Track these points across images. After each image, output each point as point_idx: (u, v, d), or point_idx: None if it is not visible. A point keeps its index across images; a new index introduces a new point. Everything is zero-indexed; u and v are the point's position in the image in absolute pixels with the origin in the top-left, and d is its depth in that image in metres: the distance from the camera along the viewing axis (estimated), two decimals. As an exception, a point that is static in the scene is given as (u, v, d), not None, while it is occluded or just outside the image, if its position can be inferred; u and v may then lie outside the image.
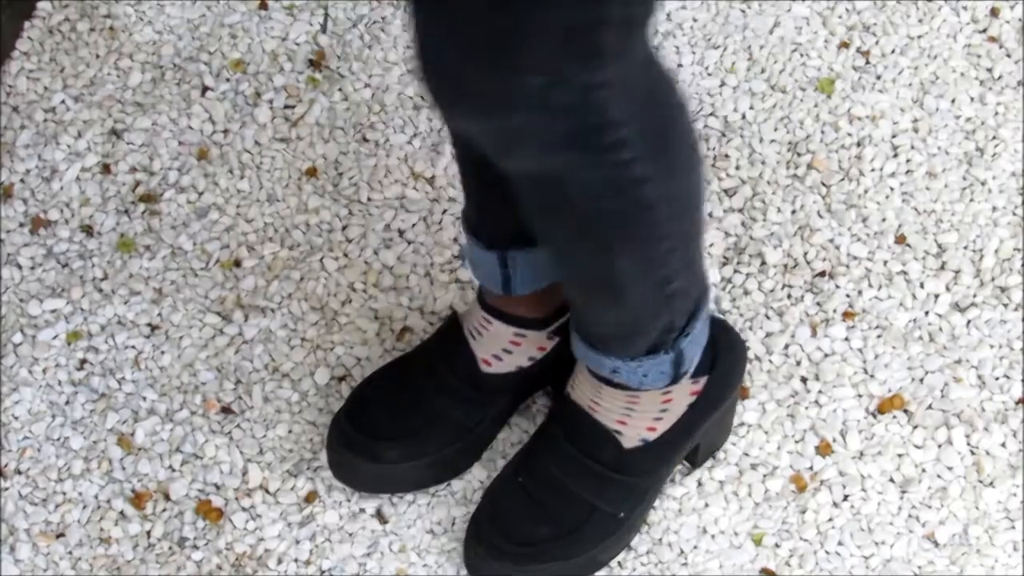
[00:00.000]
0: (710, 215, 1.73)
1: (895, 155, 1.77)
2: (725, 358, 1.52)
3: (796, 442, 1.60)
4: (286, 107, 1.85)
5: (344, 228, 1.76)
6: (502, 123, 1.19)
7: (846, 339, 1.65)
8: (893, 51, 1.84)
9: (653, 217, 1.29)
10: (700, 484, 1.58)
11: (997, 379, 1.62)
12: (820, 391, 1.62)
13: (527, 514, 1.49)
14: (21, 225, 1.78)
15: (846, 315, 1.66)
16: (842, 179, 1.75)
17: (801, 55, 1.85)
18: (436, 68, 1.18)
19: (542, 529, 1.49)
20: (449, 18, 1.15)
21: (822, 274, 1.69)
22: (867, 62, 1.83)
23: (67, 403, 1.67)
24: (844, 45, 1.85)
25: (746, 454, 1.59)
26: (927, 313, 1.66)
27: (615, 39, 1.16)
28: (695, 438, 1.52)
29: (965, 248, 1.70)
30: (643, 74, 1.22)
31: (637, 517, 1.52)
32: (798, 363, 1.64)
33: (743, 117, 1.80)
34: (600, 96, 1.18)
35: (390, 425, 1.54)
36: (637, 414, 1.48)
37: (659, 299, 1.37)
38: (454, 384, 1.54)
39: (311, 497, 1.59)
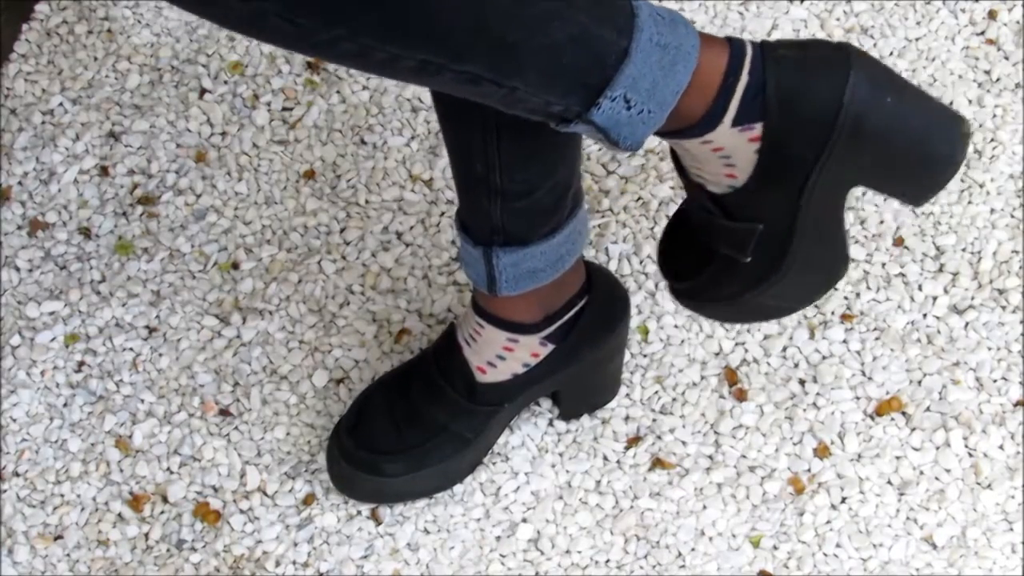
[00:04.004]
0: (708, 217, 1.73)
1: (893, 157, 1.77)
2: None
3: (794, 444, 1.60)
4: (284, 109, 1.85)
5: (342, 230, 1.76)
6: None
7: (844, 341, 1.65)
8: (891, 53, 1.84)
9: None
10: (698, 487, 1.58)
11: (995, 381, 1.62)
12: (818, 393, 1.62)
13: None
14: (19, 227, 1.78)
15: (844, 317, 1.66)
16: (840, 181, 1.75)
17: (799, 57, 1.85)
18: None
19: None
20: None
21: (820, 276, 1.69)
22: (865, 64, 1.84)
23: (65, 405, 1.66)
24: (842, 47, 1.85)
25: (744, 456, 1.59)
26: (925, 315, 1.67)
27: None
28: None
29: (963, 250, 1.70)
30: None
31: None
32: (796, 365, 1.64)
33: (741, 119, 1.80)
34: None
35: (390, 439, 1.55)
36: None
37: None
38: (452, 397, 1.54)
39: (309, 499, 1.59)
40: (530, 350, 1.53)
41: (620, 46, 1.16)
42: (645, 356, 1.66)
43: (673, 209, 1.73)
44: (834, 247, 1.32)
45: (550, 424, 1.62)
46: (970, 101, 1.80)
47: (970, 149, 1.76)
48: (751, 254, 1.30)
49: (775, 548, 1.55)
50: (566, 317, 1.53)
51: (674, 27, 1.19)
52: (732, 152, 1.25)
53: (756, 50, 1.24)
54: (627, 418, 1.62)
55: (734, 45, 1.23)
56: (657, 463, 1.60)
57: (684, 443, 1.61)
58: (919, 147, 1.27)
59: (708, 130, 1.24)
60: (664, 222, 1.72)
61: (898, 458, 1.59)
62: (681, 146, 1.27)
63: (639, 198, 1.75)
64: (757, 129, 1.24)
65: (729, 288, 1.33)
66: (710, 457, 1.59)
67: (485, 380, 1.54)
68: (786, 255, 1.29)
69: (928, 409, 1.61)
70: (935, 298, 1.67)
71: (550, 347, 1.54)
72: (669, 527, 1.56)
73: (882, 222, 1.72)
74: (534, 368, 1.55)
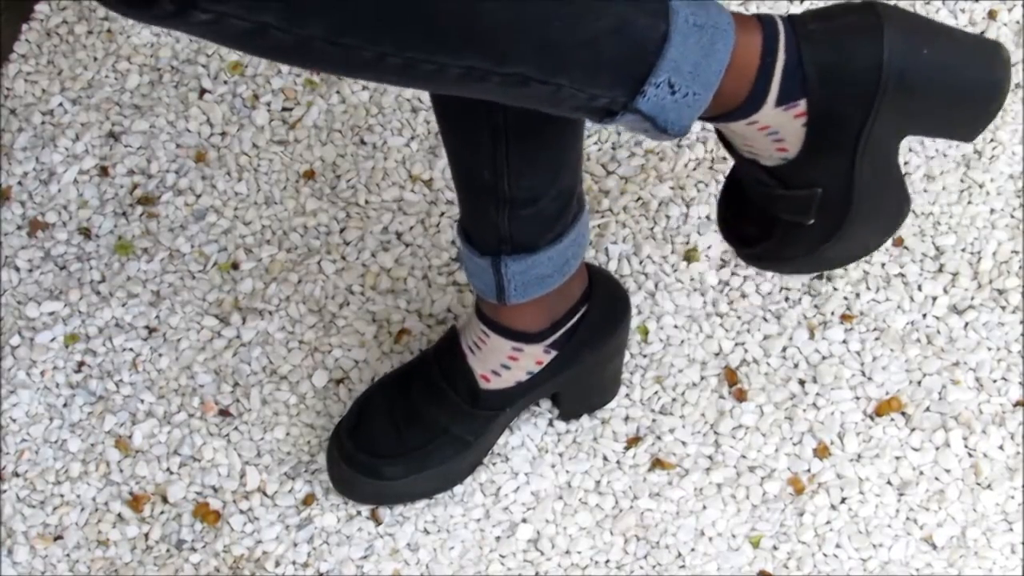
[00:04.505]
0: (707, 218, 1.73)
1: (893, 157, 1.77)
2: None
3: (794, 444, 1.60)
4: (284, 110, 1.84)
5: (342, 231, 1.76)
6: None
7: (844, 342, 1.65)
8: (891, 54, 1.84)
9: None
10: (697, 487, 1.58)
11: (995, 381, 1.62)
12: (818, 394, 1.62)
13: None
14: (19, 228, 1.78)
15: (844, 317, 1.66)
16: (840, 181, 1.75)
17: (799, 58, 1.85)
18: None
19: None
20: None
21: (820, 276, 1.69)
22: (865, 65, 1.83)
23: (65, 405, 1.66)
24: (842, 48, 1.85)
25: (744, 456, 1.59)
26: (925, 316, 1.67)
27: None
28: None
29: (963, 250, 1.70)
30: None
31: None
32: (796, 366, 1.64)
33: (741, 120, 1.80)
34: None
35: (391, 442, 1.55)
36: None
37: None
38: (453, 401, 1.54)
39: (309, 500, 1.59)
40: (535, 358, 1.53)
41: (659, 31, 1.15)
42: (645, 356, 1.66)
43: (674, 210, 1.73)
44: (895, 191, 1.32)
45: (550, 424, 1.62)
46: (970, 101, 1.80)
47: (970, 149, 1.76)
48: (815, 216, 1.30)
49: (775, 548, 1.55)
50: (570, 323, 1.53)
51: (706, 7, 1.18)
52: (780, 129, 1.25)
53: (787, 26, 1.24)
54: (627, 418, 1.62)
55: (765, 23, 1.23)
56: (657, 463, 1.60)
57: (684, 443, 1.61)
58: (963, 84, 1.27)
59: (753, 111, 1.24)
60: (664, 222, 1.72)
61: (898, 458, 1.59)
62: (728, 128, 1.27)
63: (639, 198, 1.75)
64: (801, 105, 1.24)
65: (799, 248, 1.32)
66: (710, 457, 1.59)
67: (489, 387, 1.54)
68: (849, 210, 1.29)
69: (928, 409, 1.61)
70: (935, 298, 1.67)
71: (553, 353, 1.54)
72: (669, 527, 1.56)
73: (882, 222, 1.72)
74: (537, 375, 1.55)
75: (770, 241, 1.34)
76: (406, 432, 1.55)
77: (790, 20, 1.24)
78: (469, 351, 1.53)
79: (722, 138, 1.31)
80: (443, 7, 1.07)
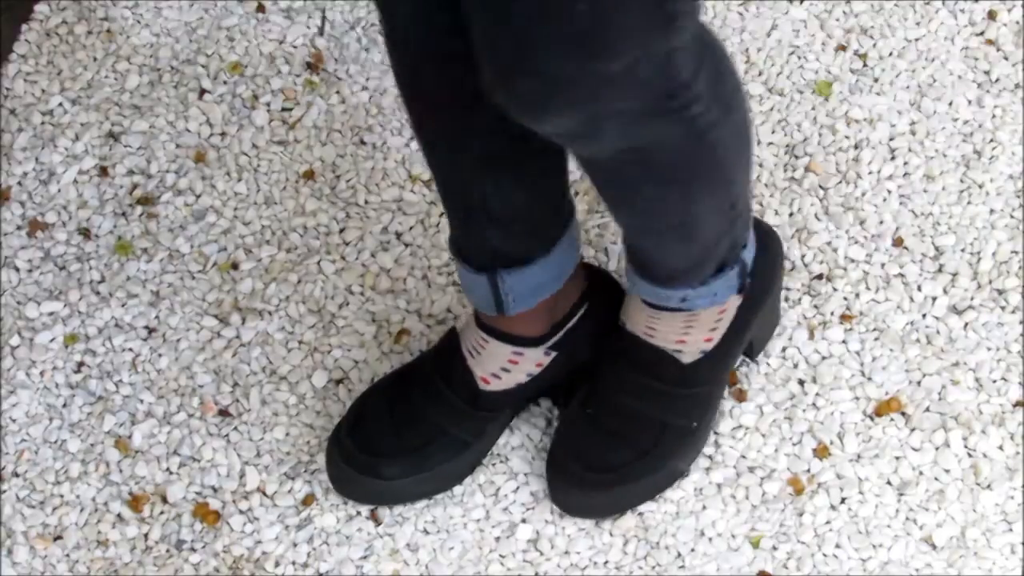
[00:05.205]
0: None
1: (893, 158, 1.77)
2: (763, 252, 1.55)
3: (794, 445, 1.60)
4: (283, 110, 1.84)
5: (341, 231, 1.75)
6: (594, 110, 1.20)
7: (843, 342, 1.65)
8: (891, 54, 1.84)
9: (722, 156, 1.33)
10: (697, 487, 1.58)
11: (995, 382, 1.62)
12: (818, 394, 1.62)
13: (603, 444, 1.53)
14: (19, 228, 1.78)
15: (844, 318, 1.66)
16: (840, 182, 1.75)
17: (799, 58, 1.85)
18: (530, 71, 1.17)
19: (621, 453, 1.53)
20: (541, 16, 1.14)
21: (820, 277, 1.69)
22: (864, 65, 1.84)
23: (64, 406, 1.66)
24: (841, 48, 1.85)
25: (743, 457, 1.59)
26: (925, 316, 1.66)
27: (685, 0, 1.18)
28: (748, 337, 1.57)
29: (963, 251, 1.70)
30: (698, 26, 1.24)
31: (707, 422, 1.56)
32: (795, 366, 1.64)
33: (741, 120, 1.80)
34: (678, 60, 1.21)
35: (390, 442, 1.55)
36: (695, 330, 1.52)
37: (726, 224, 1.42)
38: (453, 402, 1.54)
39: (308, 500, 1.59)
40: (535, 361, 1.53)
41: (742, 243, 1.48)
42: (644, 356, 1.66)
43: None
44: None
45: (549, 424, 1.62)
46: (969, 102, 1.80)
47: (970, 149, 1.76)
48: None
49: (775, 548, 1.54)
50: (570, 324, 1.53)
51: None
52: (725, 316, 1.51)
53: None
54: (626, 418, 1.62)
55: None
56: (656, 463, 1.60)
57: (683, 443, 1.61)
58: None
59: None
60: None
61: (897, 458, 1.58)
62: (697, 318, 1.50)
63: (638, 198, 1.75)
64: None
65: (687, 458, 1.55)
66: (710, 457, 1.59)
67: (489, 389, 1.54)
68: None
69: (927, 409, 1.61)
70: (934, 298, 1.67)
71: (553, 355, 1.54)
72: (669, 528, 1.56)
73: (882, 222, 1.72)
74: (537, 375, 1.55)
75: (648, 456, 1.51)
76: (405, 433, 1.55)
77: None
78: (469, 354, 1.53)
79: (643, 347, 1.50)
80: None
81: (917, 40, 1.85)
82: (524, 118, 1.21)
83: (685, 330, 1.51)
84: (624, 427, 1.53)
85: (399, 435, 1.55)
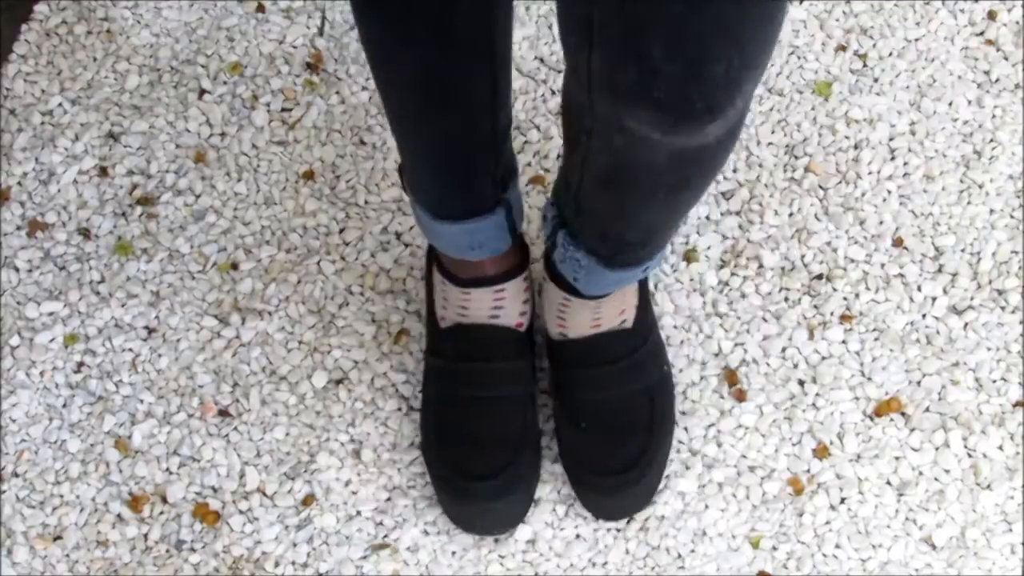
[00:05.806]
0: (707, 218, 1.73)
1: (892, 158, 1.77)
2: None
3: (793, 445, 1.60)
4: (283, 110, 1.85)
5: (341, 231, 1.76)
6: (718, 134, 1.16)
7: (843, 342, 1.65)
8: (890, 54, 1.84)
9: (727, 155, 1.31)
10: (698, 487, 1.58)
11: (994, 382, 1.62)
12: (817, 394, 1.62)
13: (613, 443, 1.54)
14: (18, 228, 1.78)
15: (843, 318, 1.66)
16: (839, 182, 1.75)
17: (798, 58, 1.85)
18: (709, 86, 1.10)
19: (631, 443, 1.54)
20: (743, 67, 1.10)
21: (819, 277, 1.69)
22: (864, 65, 1.84)
23: (64, 406, 1.67)
24: (841, 48, 1.85)
25: (744, 456, 1.59)
26: (924, 316, 1.67)
27: None
28: None
29: (962, 251, 1.70)
30: None
31: (666, 354, 1.61)
32: (795, 366, 1.64)
33: (740, 120, 1.80)
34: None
35: (482, 460, 1.54)
36: (629, 294, 1.55)
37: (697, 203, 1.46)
38: (503, 366, 1.56)
39: (308, 500, 1.59)
40: (521, 297, 1.57)
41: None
42: (644, 357, 1.66)
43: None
44: None
45: (547, 423, 1.62)
46: (969, 102, 1.80)
47: (969, 149, 1.76)
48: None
49: (774, 548, 1.55)
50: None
51: None
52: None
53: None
54: (626, 419, 1.63)
55: None
56: (656, 464, 1.60)
57: (684, 443, 1.60)
58: None
59: None
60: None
61: (897, 459, 1.59)
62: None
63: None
64: None
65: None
66: (711, 457, 1.59)
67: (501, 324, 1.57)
68: None
69: (927, 410, 1.61)
70: (934, 299, 1.67)
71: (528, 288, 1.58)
72: (668, 528, 1.56)
73: (881, 223, 1.72)
74: (530, 315, 1.60)
75: (654, 426, 1.53)
76: (489, 444, 1.55)
77: None
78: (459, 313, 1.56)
79: (592, 342, 1.52)
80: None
81: (917, 40, 1.85)
82: (658, 130, 1.14)
83: (624, 299, 1.55)
84: (620, 418, 1.54)
85: (487, 448, 1.54)
